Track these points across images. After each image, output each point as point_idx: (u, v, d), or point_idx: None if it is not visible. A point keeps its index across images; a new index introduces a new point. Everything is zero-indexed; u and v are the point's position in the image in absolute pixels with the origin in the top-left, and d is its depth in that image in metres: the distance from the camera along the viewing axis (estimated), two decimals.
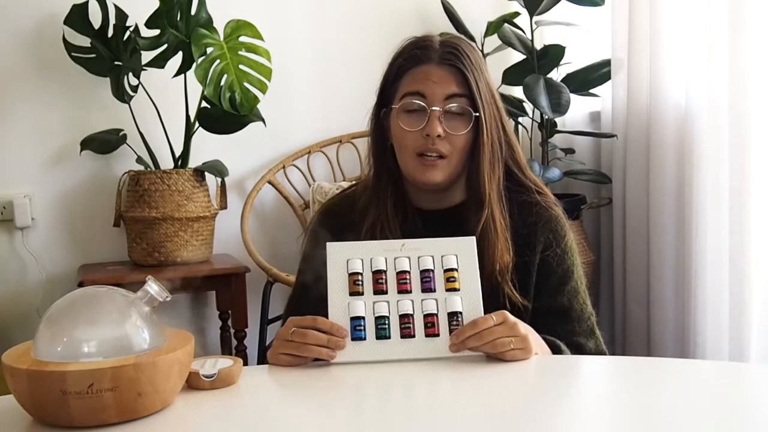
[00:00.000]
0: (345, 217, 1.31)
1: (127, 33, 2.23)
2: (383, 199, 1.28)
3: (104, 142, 2.31)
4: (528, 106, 2.48)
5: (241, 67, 2.24)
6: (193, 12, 2.24)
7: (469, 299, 1.11)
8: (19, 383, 0.83)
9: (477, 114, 1.22)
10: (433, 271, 1.13)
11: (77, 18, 2.26)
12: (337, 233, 1.25)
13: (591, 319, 1.26)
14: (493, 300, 1.15)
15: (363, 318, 1.09)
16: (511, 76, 2.54)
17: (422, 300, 1.11)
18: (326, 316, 1.09)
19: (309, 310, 1.15)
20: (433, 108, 1.21)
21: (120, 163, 2.40)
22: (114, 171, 2.42)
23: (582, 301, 1.26)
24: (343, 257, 1.14)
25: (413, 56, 1.24)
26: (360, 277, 1.12)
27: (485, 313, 1.09)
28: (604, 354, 1.25)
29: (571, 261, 1.26)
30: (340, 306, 1.10)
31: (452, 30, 2.50)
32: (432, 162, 1.22)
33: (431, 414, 0.90)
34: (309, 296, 1.23)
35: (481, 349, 1.06)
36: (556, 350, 1.17)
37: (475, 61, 1.24)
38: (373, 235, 1.26)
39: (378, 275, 1.12)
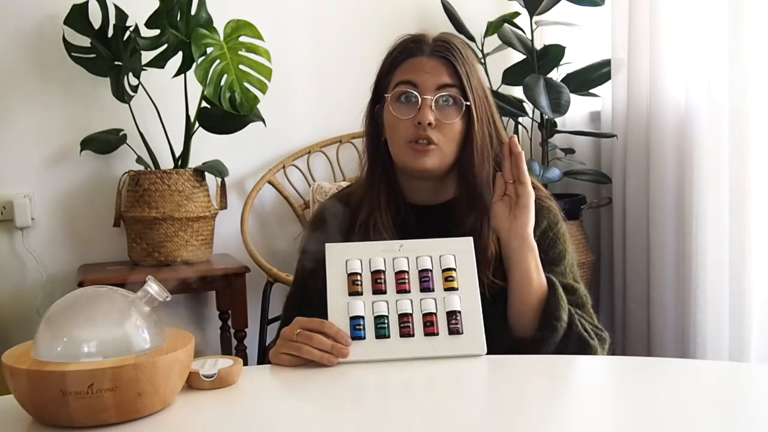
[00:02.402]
0: (341, 213, 1.32)
1: (127, 33, 2.23)
2: (377, 194, 1.29)
3: (104, 142, 2.31)
4: (528, 106, 2.48)
5: (241, 67, 2.24)
6: (193, 12, 2.24)
7: (467, 298, 1.11)
8: (19, 383, 0.83)
9: (468, 103, 1.23)
10: (431, 270, 1.13)
11: (77, 18, 2.26)
12: (335, 230, 1.26)
13: (583, 298, 1.26)
14: None
15: (362, 317, 1.09)
16: (511, 76, 2.55)
17: (421, 299, 1.11)
18: (325, 313, 1.10)
19: (307, 307, 1.16)
20: (425, 96, 1.22)
21: (120, 163, 2.41)
22: (114, 171, 2.42)
23: (572, 280, 1.27)
24: (342, 258, 1.14)
25: (406, 49, 1.27)
26: (359, 277, 1.12)
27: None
28: (597, 326, 1.24)
29: (562, 247, 1.27)
30: (339, 306, 1.10)
31: (452, 30, 2.50)
32: (424, 148, 1.23)
33: (431, 414, 0.90)
34: (307, 294, 1.24)
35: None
36: (550, 284, 1.19)
37: (466, 55, 1.27)
38: (367, 229, 1.26)
39: (377, 275, 1.13)
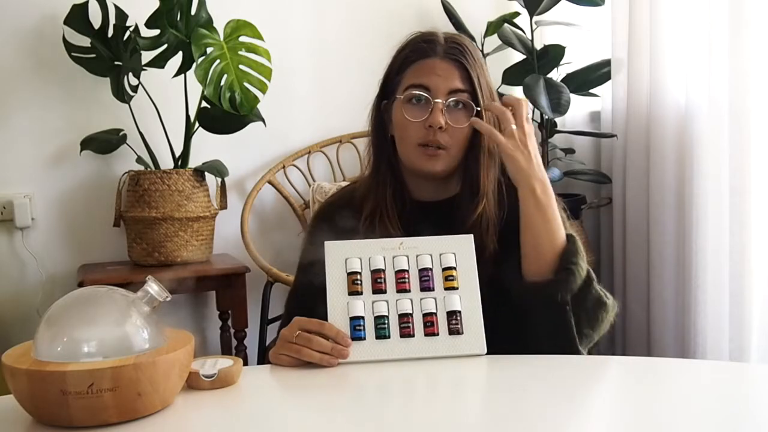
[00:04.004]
0: (345, 210, 1.32)
1: (127, 33, 2.23)
2: (382, 189, 1.30)
3: (104, 142, 2.31)
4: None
5: (241, 67, 2.24)
6: (193, 12, 2.24)
7: (467, 298, 1.11)
8: (19, 383, 0.83)
9: (479, 108, 1.24)
10: (431, 269, 1.13)
11: (77, 18, 2.26)
12: (338, 226, 1.27)
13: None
14: None
15: (362, 318, 1.09)
16: (511, 76, 2.55)
17: (421, 299, 1.11)
18: (325, 312, 1.10)
19: (309, 304, 1.16)
20: (437, 100, 1.23)
21: (120, 163, 2.40)
22: (114, 171, 2.42)
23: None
24: (342, 256, 1.14)
25: (419, 49, 1.27)
26: (359, 277, 1.12)
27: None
28: (607, 297, 1.23)
29: None
30: (339, 306, 1.10)
31: (452, 30, 2.50)
32: (433, 152, 1.24)
33: (431, 414, 0.90)
34: (309, 291, 1.24)
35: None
36: (570, 238, 1.19)
37: (477, 58, 1.28)
38: (372, 223, 1.27)
39: (377, 274, 1.13)
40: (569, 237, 1.20)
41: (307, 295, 1.24)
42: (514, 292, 1.19)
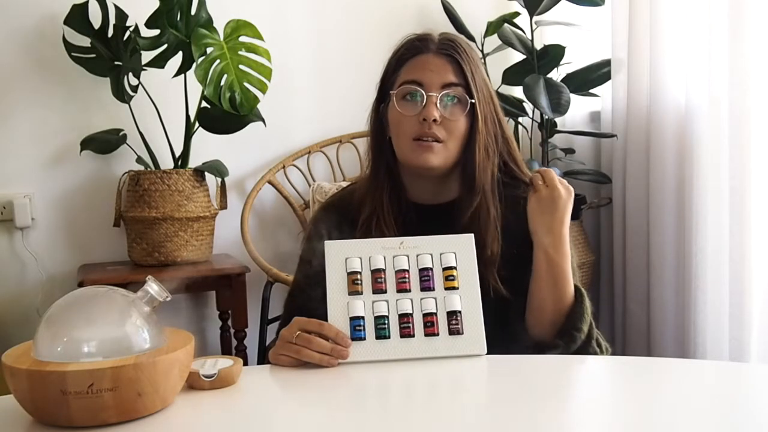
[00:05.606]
0: (344, 211, 1.32)
1: (127, 33, 2.23)
2: (380, 192, 1.30)
3: (104, 142, 2.31)
4: (528, 106, 2.48)
5: (241, 67, 2.24)
6: (193, 12, 2.24)
7: (468, 298, 1.11)
8: (19, 383, 0.83)
9: (473, 101, 1.24)
10: (431, 269, 1.13)
11: (77, 18, 2.26)
12: (337, 228, 1.27)
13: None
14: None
15: (362, 318, 1.09)
16: (511, 76, 2.55)
17: (421, 299, 1.11)
18: (325, 310, 1.10)
19: (308, 304, 1.16)
20: (430, 94, 1.23)
21: (120, 163, 2.41)
22: (114, 171, 2.42)
23: (578, 283, 1.27)
24: (342, 256, 1.14)
25: (412, 47, 1.28)
26: (359, 276, 1.12)
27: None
28: (602, 350, 1.24)
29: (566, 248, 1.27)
30: (339, 306, 1.10)
31: (452, 30, 2.50)
32: (428, 145, 1.24)
33: (431, 414, 0.90)
34: (308, 291, 1.24)
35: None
36: (578, 293, 1.20)
37: (471, 54, 1.28)
38: (369, 227, 1.27)
39: (377, 274, 1.12)
40: (577, 295, 1.21)
41: (307, 295, 1.24)
42: (513, 333, 1.20)
